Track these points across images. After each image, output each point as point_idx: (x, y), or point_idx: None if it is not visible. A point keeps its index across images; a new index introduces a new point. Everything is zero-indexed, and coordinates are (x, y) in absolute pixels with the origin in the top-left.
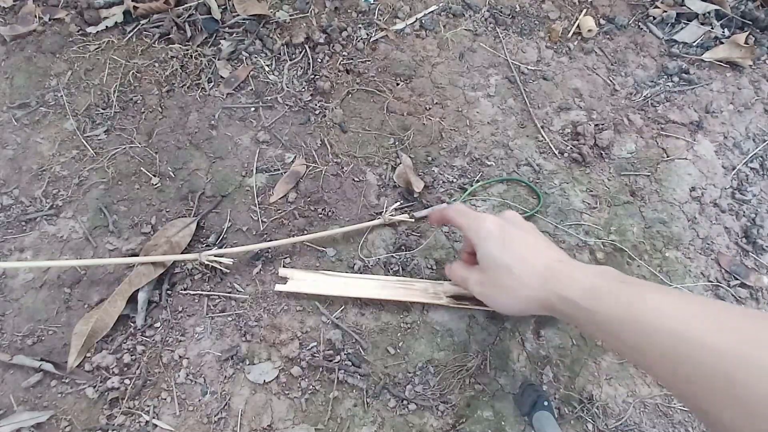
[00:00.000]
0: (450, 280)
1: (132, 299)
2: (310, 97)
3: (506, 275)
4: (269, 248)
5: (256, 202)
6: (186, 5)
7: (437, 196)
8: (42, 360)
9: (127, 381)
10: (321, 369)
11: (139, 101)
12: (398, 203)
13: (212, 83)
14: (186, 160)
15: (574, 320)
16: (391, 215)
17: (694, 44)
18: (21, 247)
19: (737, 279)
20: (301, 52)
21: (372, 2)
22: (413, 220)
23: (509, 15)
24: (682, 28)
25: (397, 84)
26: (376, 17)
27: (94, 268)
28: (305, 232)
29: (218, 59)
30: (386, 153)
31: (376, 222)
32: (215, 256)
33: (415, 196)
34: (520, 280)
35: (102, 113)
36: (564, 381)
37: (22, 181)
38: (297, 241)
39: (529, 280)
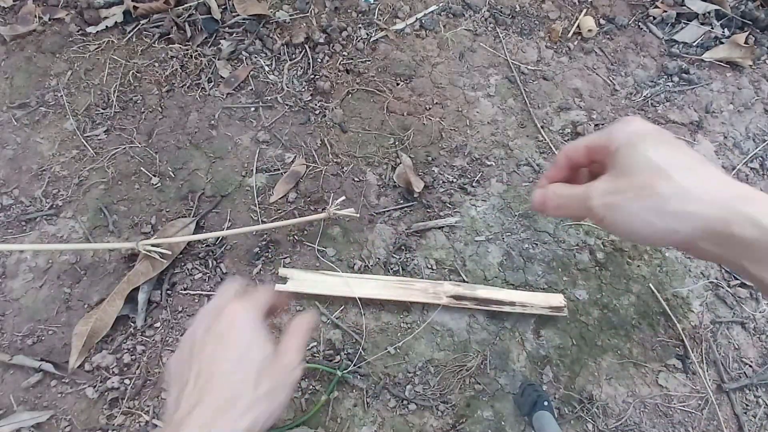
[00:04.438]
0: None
1: (132, 299)
2: (310, 97)
3: (664, 181)
4: (269, 248)
5: (256, 201)
6: (186, 5)
7: (437, 196)
8: (42, 360)
9: (127, 381)
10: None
11: (139, 101)
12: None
13: (212, 83)
14: (186, 160)
15: (757, 256)
16: (337, 209)
17: (694, 44)
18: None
19: (737, 279)
20: (301, 52)
21: (372, 2)
22: (357, 215)
23: (509, 15)
24: (682, 28)
25: (397, 84)
26: (376, 17)
27: (94, 268)
28: (305, 232)
29: (218, 59)
30: (386, 153)
31: (320, 216)
32: (152, 245)
33: (415, 196)
34: (685, 191)
35: (102, 113)
36: (564, 381)
37: (22, 181)
38: (228, 234)
39: (701, 192)
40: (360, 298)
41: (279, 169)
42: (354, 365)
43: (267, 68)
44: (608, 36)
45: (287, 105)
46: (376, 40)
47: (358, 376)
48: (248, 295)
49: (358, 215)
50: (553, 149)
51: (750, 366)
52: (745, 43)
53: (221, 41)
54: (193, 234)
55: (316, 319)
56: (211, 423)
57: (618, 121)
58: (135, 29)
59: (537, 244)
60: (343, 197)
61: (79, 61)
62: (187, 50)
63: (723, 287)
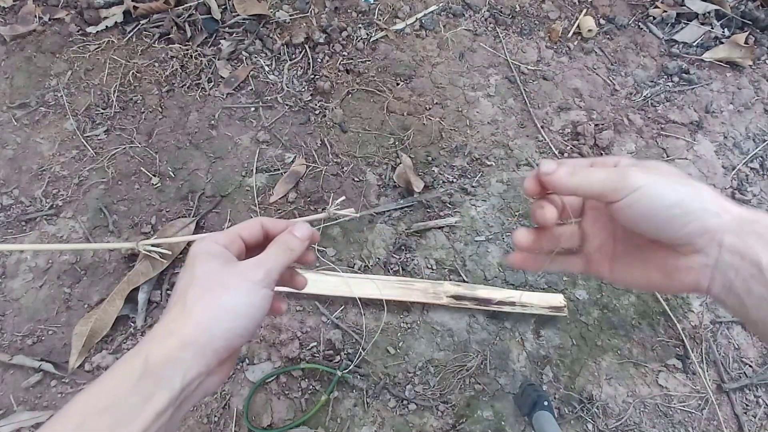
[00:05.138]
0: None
1: (132, 299)
2: (310, 97)
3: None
4: None
5: (256, 202)
6: (186, 5)
7: (437, 195)
8: (42, 360)
9: None
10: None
11: (139, 101)
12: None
13: (212, 83)
14: (186, 160)
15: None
16: (337, 208)
17: (694, 44)
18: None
19: None
20: (301, 52)
21: (372, 2)
22: (357, 215)
23: (509, 15)
24: (682, 28)
25: (397, 84)
26: (376, 17)
27: (94, 268)
28: None
29: (218, 59)
30: (386, 153)
31: (319, 216)
32: (152, 245)
33: (415, 195)
34: (702, 205)
35: (102, 113)
36: (564, 381)
37: (22, 181)
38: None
39: (712, 206)
40: (360, 298)
41: (279, 169)
42: (354, 365)
43: (267, 68)
44: (608, 36)
45: (287, 105)
46: (376, 40)
47: (358, 376)
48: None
49: (358, 215)
50: (553, 149)
51: (750, 366)
52: (745, 43)
53: (221, 41)
54: (193, 234)
55: (311, 232)
56: (154, 333)
57: (613, 172)
58: (135, 29)
59: None
60: (343, 197)
61: (79, 61)
62: (187, 50)
63: None
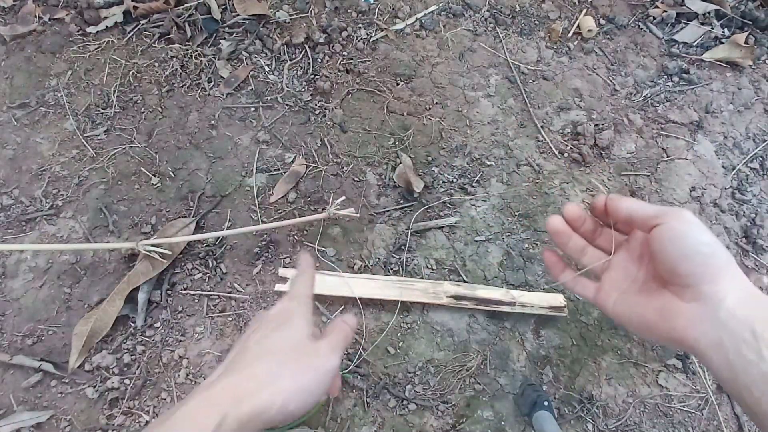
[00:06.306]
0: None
1: (132, 299)
2: (310, 97)
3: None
4: (269, 248)
5: (256, 202)
6: (186, 5)
7: (437, 195)
8: (42, 360)
9: (127, 381)
10: None
11: (139, 101)
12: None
13: (212, 83)
14: (186, 160)
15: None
16: (337, 209)
17: (694, 44)
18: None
19: None
20: (301, 52)
21: (372, 2)
22: (357, 215)
23: (509, 15)
24: (682, 28)
25: (397, 84)
26: (376, 17)
27: (94, 268)
28: (305, 232)
29: (218, 59)
30: (386, 153)
31: (319, 216)
32: (152, 245)
33: (415, 196)
34: (719, 271)
35: (102, 113)
36: (564, 381)
37: (22, 181)
38: (228, 234)
39: (730, 284)
40: (360, 298)
41: (279, 169)
42: (354, 365)
43: (267, 68)
44: (608, 36)
45: (287, 105)
46: (376, 40)
47: (358, 376)
48: (292, 291)
49: (358, 215)
50: (553, 149)
51: None
52: (745, 43)
53: (221, 41)
54: (193, 234)
55: (357, 321)
56: (220, 397)
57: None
58: (135, 29)
59: (537, 244)
60: (343, 197)
61: (79, 61)
62: (187, 50)
63: None
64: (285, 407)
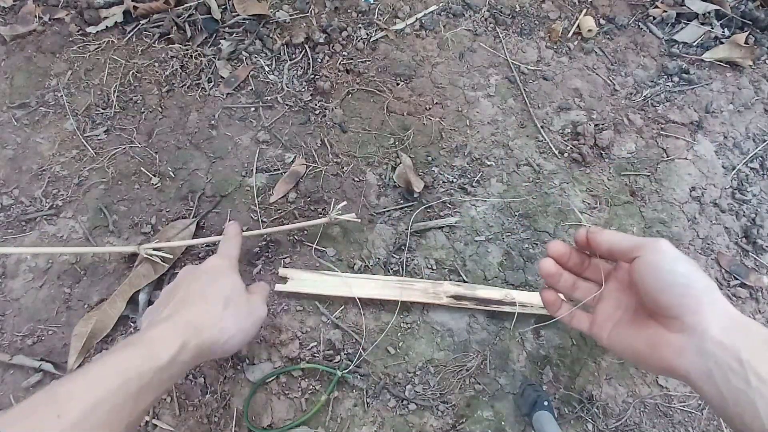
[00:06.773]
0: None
1: (132, 300)
2: (310, 97)
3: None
4: (269, 248)
5: (256, 202)
6: (186, 5)
7: (437, 195)
8: (42, 360)
9: None
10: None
11: (139, 101)
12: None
13: (212, 83)
14: (186, 160)
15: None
16: (338, 214)
17: (694, 44)
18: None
19: (737, 279)
20: (301, 52)
21: (372, 2)
22: (359, 220)
23: (509, 15)
24: (682, 28)
25: (397, 84)
26: (376, 17)
27: (94, 268)
28: (305, 232)
29: (218, 59)
30: (386, 153)
31: (321, 220)
32: (153, 249)
33: (415, 196)
34: (699, 303)
35: (102, 113)
36: (564, 381)
37: (22, 181)
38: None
39: (711, 313)
40: (360, 298)
41: (279, 169)
42: (354, 365)
43: (267, 68)
44: (608, 36)
45: (287, 105)
46: (376, 40)
47: (358, 376)
48: (222, 251)
49: (359, 220)
50: (553, 149)
51: None
52: (745, 43)
53: (221, 41)
54: (194, 235)
55: (238, 228)
56: (182, 327)
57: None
58: (135, 29)
59: (537, 244)
60: (345, 202)
61: (79, 61)
62: (187, 50)
63: (723, 287)
64: (228, 343)
